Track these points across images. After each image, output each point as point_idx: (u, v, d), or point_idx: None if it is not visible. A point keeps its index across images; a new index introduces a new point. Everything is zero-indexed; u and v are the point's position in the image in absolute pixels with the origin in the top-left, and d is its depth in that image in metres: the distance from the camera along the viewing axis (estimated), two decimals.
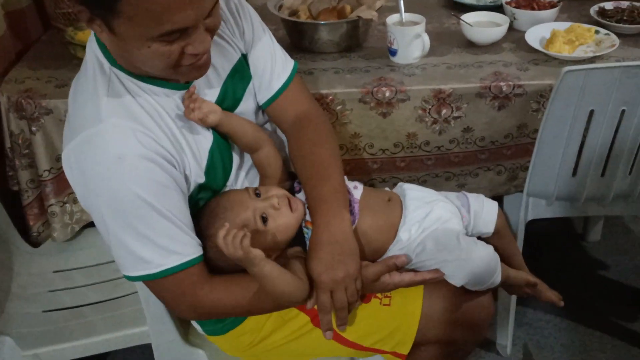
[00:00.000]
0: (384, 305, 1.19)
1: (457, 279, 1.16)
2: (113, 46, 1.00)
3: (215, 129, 1.13)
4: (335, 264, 1.08)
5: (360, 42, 1.64)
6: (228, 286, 1.11)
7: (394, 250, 1.20)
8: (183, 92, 1.09)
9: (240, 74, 1.19)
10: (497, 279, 1.18)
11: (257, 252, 1.01)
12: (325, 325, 1.13)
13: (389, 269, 1.15)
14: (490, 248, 1.18)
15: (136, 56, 0.96)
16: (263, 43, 1.23)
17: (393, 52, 1.54)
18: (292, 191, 1.20)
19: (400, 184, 1.29)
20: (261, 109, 1.26)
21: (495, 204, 1.28)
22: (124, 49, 0.96)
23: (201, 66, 1.01)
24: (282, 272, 1.06)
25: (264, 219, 1.10)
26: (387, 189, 1.31)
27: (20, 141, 1.49)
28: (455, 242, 1.17)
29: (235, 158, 1.18)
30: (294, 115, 1.25)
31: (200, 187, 1.11)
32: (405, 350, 1.21)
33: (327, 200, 1.14)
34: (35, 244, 1.61)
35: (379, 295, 1.21)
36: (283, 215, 1.12)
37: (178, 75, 1.02)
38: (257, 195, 1.12)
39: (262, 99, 1.24)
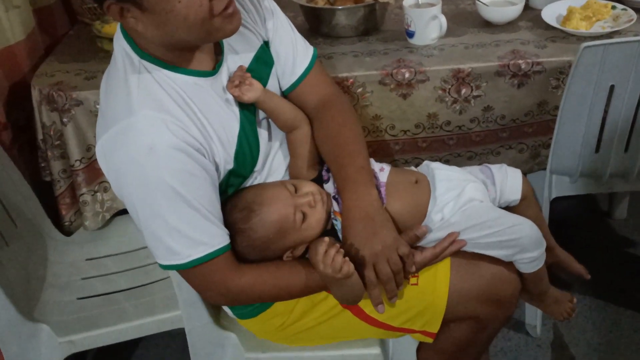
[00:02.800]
0: (412, 284, 1.20)
1: (510, 247, 1.17)
2: (150, 30, 1.00)
3: (257, 107, 1.16)
4: (370, 238, 1.11)
5: (377, 25, 1.65)
6: (257, 273, 1.13)
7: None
8: (211, 79, 1.11)
9: (263, 60, 1.22)
10: (544, 246, 1.20)
11: (353, 274, 1.06)
12: (375, 300, 1.14)
13: (411, 241, 1.17)
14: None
15: (175, 21, 0.97)
16: (284, 31, 1.25)
17: (410, 34, 1.55)
18: (321, 180, 1.22)
19: (426, 162, 1.30)
20: (284, 94, 1.28)
21: (518, 171, 1.29)
22: (161, 24, 0.98)
23: (232, 15, 1.02)
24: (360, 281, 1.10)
25: (304, 217, 1.13)
26: (412, 168, 1.33)
27: (52, 133, 1.53)
28: (495, 215, 1.19)
29: (262, 143, 1.19)
30: (317, 99, 1.27)
31: (230, 173, 1.13)
32: (434, 328, 1.21)
33: (353, 178, 1.16)
34: (67, 232, 1.64)
35: None
36: (317, 212, 1.15)
37: (216, 32, 1.03)
38: (294, 190, 1.15)
39: (285, 84, 1.27)
